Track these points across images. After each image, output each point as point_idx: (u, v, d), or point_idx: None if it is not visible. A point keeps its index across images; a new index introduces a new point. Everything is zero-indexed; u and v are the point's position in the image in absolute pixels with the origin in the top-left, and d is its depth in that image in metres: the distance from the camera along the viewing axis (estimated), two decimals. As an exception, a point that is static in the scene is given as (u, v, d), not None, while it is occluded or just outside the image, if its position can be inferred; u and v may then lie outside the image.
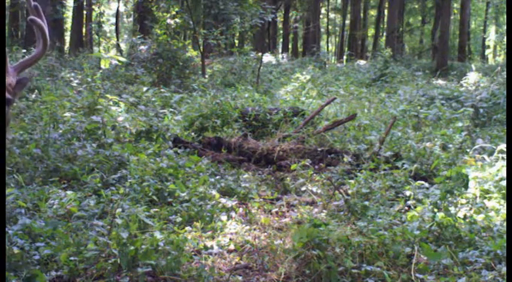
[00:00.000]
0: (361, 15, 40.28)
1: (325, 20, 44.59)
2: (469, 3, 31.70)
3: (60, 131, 7.10)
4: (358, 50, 38.63)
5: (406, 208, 5.76)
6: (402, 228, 4.75)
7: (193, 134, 8.84)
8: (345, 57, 32.26)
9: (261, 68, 17.42)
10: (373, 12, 44.45)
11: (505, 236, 4.48)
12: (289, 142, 8.24)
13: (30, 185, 5.64)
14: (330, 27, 46.51)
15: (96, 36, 32.50)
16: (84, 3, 29.93)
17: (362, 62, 26.28)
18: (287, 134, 8.66)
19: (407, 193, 5.97)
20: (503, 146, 6.54)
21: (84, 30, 30.69)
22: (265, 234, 5.18)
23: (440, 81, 18.89)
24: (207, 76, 16.84)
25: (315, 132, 8.70)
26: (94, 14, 32.27)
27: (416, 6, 41.81)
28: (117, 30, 33.13)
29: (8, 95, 3.38)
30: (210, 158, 7.54)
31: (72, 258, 4.12)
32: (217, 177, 6.72)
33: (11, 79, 3.47)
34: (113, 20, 35.24)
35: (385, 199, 5.88)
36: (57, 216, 4.89)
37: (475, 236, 4.71)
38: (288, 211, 5.94)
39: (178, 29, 19.49)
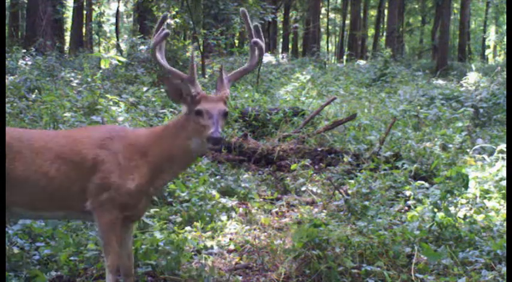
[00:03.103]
0: (361, 15, 40.25)
1: (325, 20, 44.54)
2: (469, 3, 31.68)
3: (60, 131, 7.09)
4: (358, 50, 38.58)
5: (406, 208, 5.77)
6: (402, 228, 4.76)
7: (193, 134, 8.82)
8: (345, 57, 32.21)
9: (261, 68, 17.39)
10: (373, 12, 44.43)
11: (505, 236, 4.48)
12: (289, 142, 8.23)
13: (30, 185, 5.62)
14: (330, 27, 46.48)
15: (96, 36, 32.52)
16: (84, 3, 29.91)
17: (362, 62, 26.21)
18: (287, 134, 8.65)
19: (407, 193, 5.97)
20: (503, 146, 6.54)
21: (84, 30, 30.67)
22: (265, 234, 5.18)
23: (440, 81, 18.86)
24: (207, 76, 16.82)
25: (315, 132, 8.69)
26: (94, 14, 32.28)
27: (416, 6, 41.79)
28: (117, 30, 33.12)
29: (225, 107, 3.49)
30: (210, 158, 7.54)
31: (72, 258, 4.12)
32: (217, 177, 6.72)
33: (227, 91, 3.57)
34: (113, 20, 35.24)
35: (385, 199, 5.89)
36: (57, 216, 4.88)
37: (475, 236, 4.71)
38: (288, 211, 5.94)
39: (178, 29, 19.46)
